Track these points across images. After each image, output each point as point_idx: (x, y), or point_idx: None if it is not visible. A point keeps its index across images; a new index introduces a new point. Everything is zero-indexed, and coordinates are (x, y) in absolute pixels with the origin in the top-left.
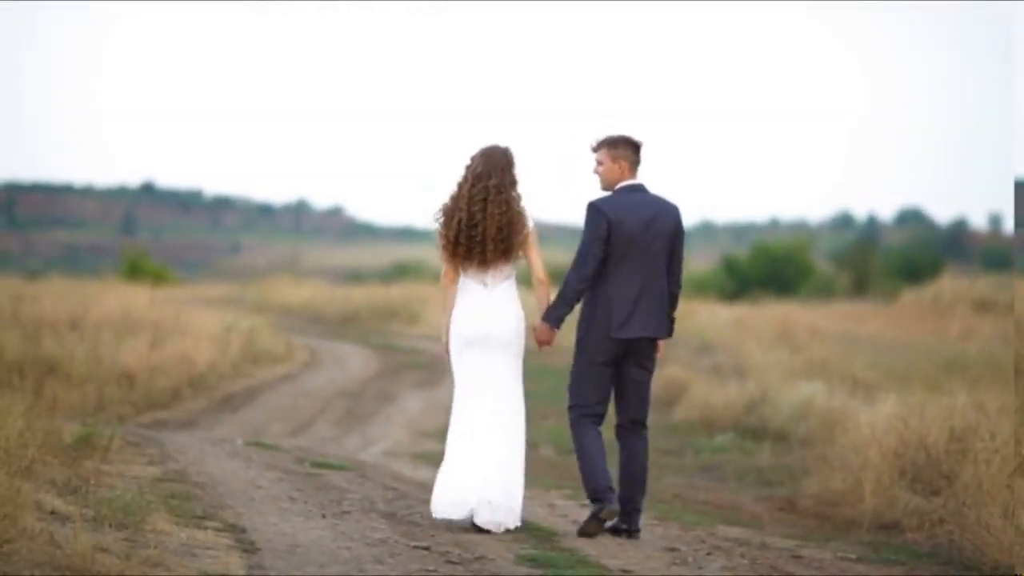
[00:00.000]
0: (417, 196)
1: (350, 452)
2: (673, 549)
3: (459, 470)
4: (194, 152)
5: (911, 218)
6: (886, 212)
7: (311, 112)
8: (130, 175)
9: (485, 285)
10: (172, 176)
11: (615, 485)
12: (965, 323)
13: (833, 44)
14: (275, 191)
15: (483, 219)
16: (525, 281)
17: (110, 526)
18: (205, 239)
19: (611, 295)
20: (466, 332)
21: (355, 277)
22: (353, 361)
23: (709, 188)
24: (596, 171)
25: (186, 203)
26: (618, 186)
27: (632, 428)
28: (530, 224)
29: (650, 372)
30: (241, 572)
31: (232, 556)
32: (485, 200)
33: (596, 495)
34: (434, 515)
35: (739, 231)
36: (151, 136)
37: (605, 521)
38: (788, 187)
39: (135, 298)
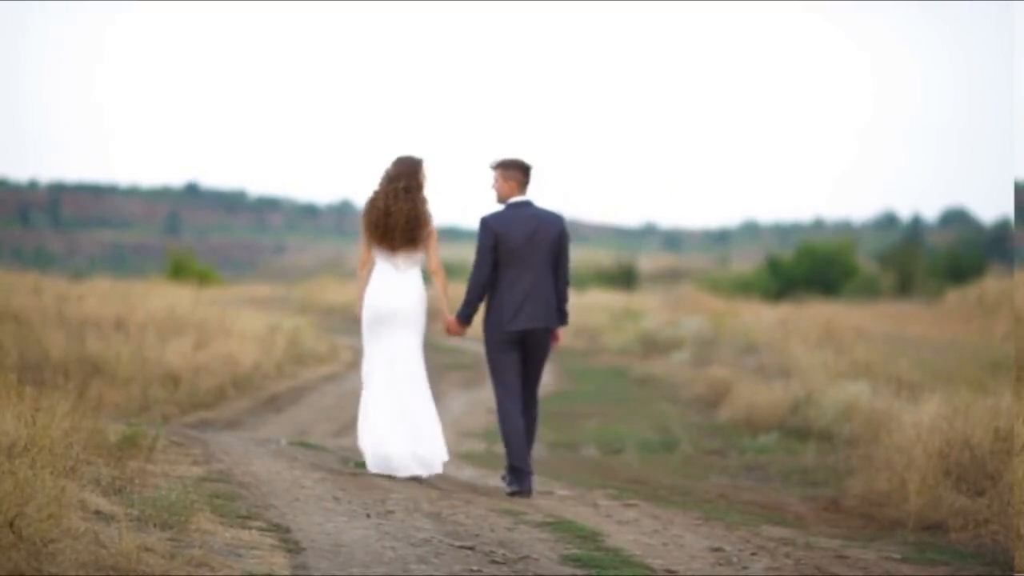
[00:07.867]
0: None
1: None
2: (718, 549)
3: (378, 429)
4: (238, 153)
5: (956, 218)
6: (930, 212)
7: (355, 113)
8: (174, 175)
9: (397, 268)
10: (216, 176)
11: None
12: (1010, 323)
13: (882, 42)
14: (319, 192)
15: (395, 212)
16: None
17: (154, 526)
18: (250, 239)
19: (502, 295)
20: (377, 306)
21: None
22: None
23: (754, 188)
24: (493, 187)
25: (231, 203)
26: (508, 202)
27: (526, 403)
28: (432, 224)
29: (545, 353)
30: (285, 572)
31: (276, 556)
32: (396, 198)
33: (512, 469)
34: (370, 469)
35: (784, 231)
36: (196, 136)
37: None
38: (833, 187)
39: (180, 298)
